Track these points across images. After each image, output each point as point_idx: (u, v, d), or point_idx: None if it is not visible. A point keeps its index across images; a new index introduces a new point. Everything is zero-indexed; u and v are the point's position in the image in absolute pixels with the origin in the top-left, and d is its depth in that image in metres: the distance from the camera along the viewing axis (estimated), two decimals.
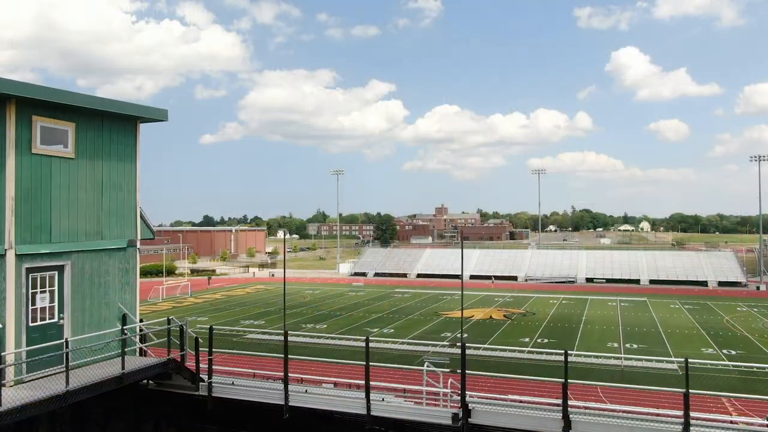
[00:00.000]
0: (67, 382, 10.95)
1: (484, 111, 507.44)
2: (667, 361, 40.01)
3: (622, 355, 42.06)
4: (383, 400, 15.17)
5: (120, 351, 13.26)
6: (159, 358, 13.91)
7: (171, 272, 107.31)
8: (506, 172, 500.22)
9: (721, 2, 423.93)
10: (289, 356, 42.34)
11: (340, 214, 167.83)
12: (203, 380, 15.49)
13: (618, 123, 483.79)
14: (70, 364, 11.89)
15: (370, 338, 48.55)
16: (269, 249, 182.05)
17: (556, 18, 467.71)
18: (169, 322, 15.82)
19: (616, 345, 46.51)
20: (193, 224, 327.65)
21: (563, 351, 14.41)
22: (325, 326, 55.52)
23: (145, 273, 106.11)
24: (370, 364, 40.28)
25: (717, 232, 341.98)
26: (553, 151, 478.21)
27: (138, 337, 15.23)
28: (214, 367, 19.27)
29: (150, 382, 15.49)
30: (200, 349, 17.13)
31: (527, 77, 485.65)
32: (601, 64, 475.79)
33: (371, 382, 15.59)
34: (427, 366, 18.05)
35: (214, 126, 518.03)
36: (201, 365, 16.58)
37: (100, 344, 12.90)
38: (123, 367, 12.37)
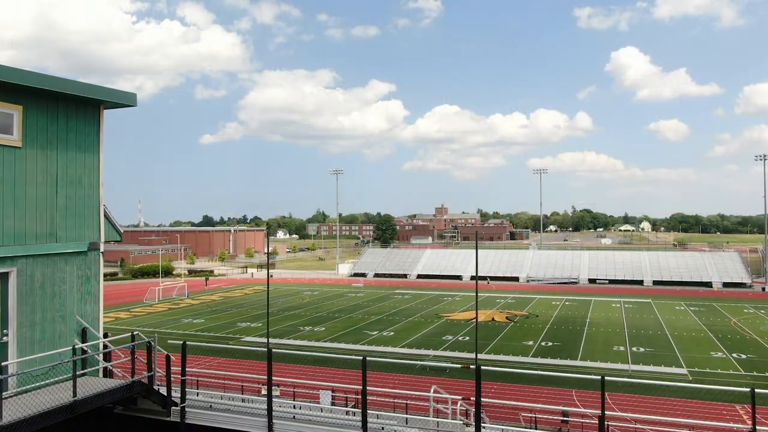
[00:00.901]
0: (0, 416, 9.11)
1: (484, 111, 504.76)
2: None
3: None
4: (383, 429, 13.45)
5: (80, 372, 11.17)
6: (123, 381, 11.75)
7: (168, 273, 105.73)
8: (506, 172, 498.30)
9: (720, 2, 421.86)
10: (285, 363, 40.79)
11: (340, 214, 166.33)
12: (176, 404, 13.57)
13: (618, 123, 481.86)
14: (15, 389, 10.07)
15: (368, 343, 47.15)
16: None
17: (556, 18, 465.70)
18: (133, 338, 13.89)
19: (622, 349, 44.92)
20: (193, 224, 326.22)
21: (600, 377, 12.62)
22: (324, 329, 53.90)
23: (142, 274, 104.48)
24: (366, 370, 38.96)
25: (718, 233, 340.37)
26: (553, 151, 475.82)
27: (102, 355, 13.14)
28: (198, 380, 17.57)
29: (117, 405, 13.63)
30: (178, 365, 15.33)
31: (527, 77, 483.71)
32: (601, 64, 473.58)
33: (368, 404, 13.88)
34: (435, 391, 16.22)
35: (214, 126, 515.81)
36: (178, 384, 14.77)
37: (51, 365, 10.89)
38: (75, 394, 10.37)
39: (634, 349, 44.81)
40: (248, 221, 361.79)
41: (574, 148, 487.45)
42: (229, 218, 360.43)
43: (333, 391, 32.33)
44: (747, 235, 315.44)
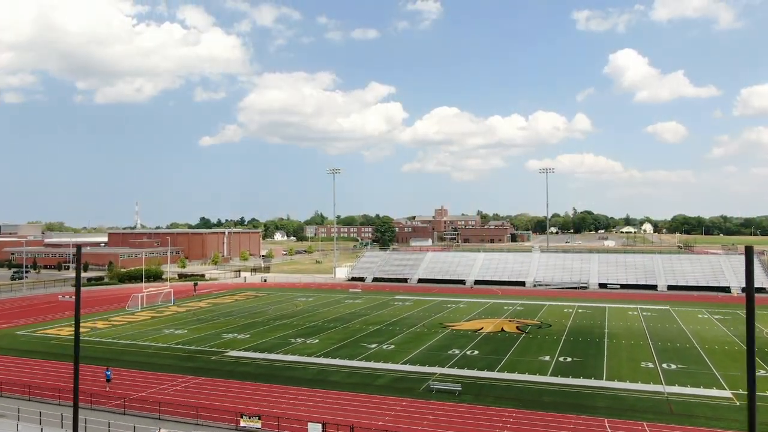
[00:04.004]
0: None
1: (483, 113, 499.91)
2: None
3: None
4: None
5: None
6: None
7: (158, 277, 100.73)
8: (505, 174, 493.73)
9: (718, 5, 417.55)
10: (271, 384, 35.87)
11: (338, 216, 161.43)
12: None
13: (617, 125, 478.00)
14: None
15: (366, 358, 42.02)
16: (264, 252, 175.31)
17: (555, 20, 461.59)
18: None
19: (651, 365, 40.10)
20: (190, 226, 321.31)
21: None
22: (317, 341, 49.03)
23: (129, 278, 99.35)
24: (364, 393, 34.03)
25: (721, 234, 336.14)
26: (552, 153, 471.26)
27: None
28: (160, 408, 12.82)
29: None
30: None
31: (526, 79, 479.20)
32: (599, 66, 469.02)
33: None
34: None
35: (213, 128, 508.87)
36: None
37: None
38: None
39: (665, 365, 40.00)
40: (245, 223, 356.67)
41: (572, 150, 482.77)
42: (226, 220, 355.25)
43: (324, 423, 27.60)
44: (751, 237, 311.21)
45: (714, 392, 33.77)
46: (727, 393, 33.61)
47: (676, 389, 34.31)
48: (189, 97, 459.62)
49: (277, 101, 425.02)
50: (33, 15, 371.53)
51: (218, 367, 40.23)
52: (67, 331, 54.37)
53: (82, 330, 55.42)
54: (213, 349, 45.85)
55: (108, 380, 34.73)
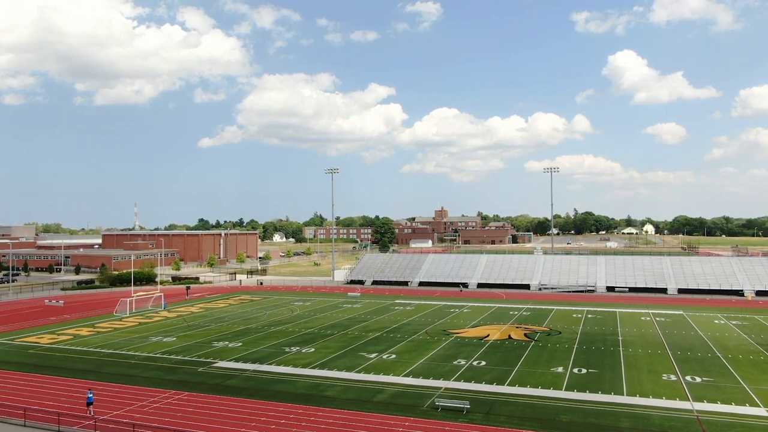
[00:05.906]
0: None
1: (482, 114, 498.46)
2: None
3: None
4: None
5: None
6: None
7: (151, 280, 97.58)
8: (505, 175, 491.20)
9: (717, 6, 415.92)
10: (260, 399, 32.64)
11: (338, 217, 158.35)
12: None
13: (616, 126, 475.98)
14: None
15: (365, 370, 38.94)
16: (261, 254, 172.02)
17: (554, 22, 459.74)
18: None
19: (673, 378, 36.97)
20: (188, 228, 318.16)
21: None
22: (313, 350, 45.90)
23: (121, 281, 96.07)
24: (362, 411, 30.72)
25: (723, 235, 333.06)
26: (552, 154, 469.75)
27: None
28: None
29: None
30: None
31: (525, 81, 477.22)
32: (598, 67, 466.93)
33: None
34: None
35: (212, 129, 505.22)
36: None
37: None
38: None
39: (689, 378, 36.88)
40: (244, 225, 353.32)
41: (572, 151, 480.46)
42: (225, 221, 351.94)
43: None
44: (753, 238, 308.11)
45: (747, 410, 30.65)
46: (762, 411, 30.51)
47: (705, 406, 31.19)
48: (189, 99, 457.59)
49: (277, 103, 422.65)
50: (33, 17, 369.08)
51: (205, 380, 37.06)
52: (47, 339, 51.19)
53: (64, 337, 52.26)
54: (201, 360, 42.67)
55: (89, 403, 30.68)
